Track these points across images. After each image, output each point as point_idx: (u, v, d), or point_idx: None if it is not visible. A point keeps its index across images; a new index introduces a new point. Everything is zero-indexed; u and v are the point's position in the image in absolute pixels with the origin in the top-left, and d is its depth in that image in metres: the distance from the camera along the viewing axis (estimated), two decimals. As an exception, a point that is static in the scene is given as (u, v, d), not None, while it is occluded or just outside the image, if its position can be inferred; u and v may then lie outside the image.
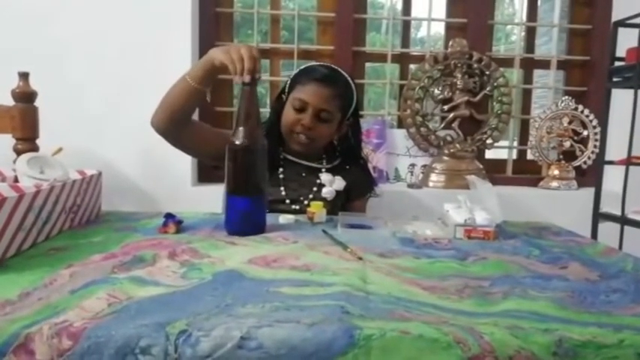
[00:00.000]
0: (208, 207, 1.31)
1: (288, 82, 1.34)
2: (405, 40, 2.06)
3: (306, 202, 1.26)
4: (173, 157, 1.63)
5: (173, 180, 1.72)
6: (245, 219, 0.97)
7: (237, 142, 0.97)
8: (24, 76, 1.35)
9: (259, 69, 1.02)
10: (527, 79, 2.07)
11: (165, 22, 1.69)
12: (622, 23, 1.59)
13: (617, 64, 1.62)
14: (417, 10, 2.03)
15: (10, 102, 1.35)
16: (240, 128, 0.97)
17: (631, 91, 1.53)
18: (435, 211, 1.22)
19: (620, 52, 1.61)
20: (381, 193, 1.49)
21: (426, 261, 0.83)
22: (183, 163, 1.65)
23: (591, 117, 1.90)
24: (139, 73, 1.67)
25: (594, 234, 1.64)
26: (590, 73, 2.01)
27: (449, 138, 1.92)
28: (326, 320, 0.55)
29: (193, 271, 0.73)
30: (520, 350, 0.53)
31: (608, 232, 1.57)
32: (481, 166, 1.90)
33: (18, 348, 0.51)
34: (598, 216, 1.65)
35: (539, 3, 2.05)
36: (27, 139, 1.36)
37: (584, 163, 1.93)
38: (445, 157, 1.89)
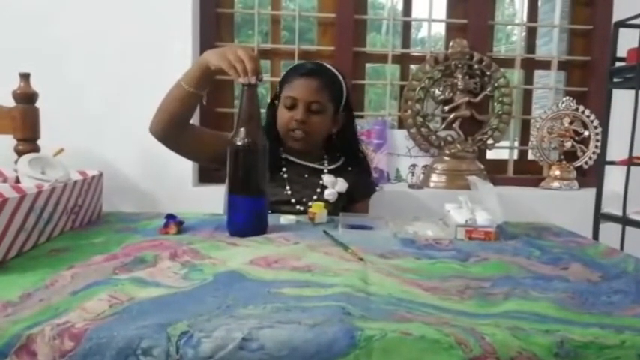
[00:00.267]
0: (209, 208, 1.31)
1: (278, 85, 1.35)
2: (406, 41, 2.06)
3: (309, 203, 1.26)
4: (174, 157, 1.63)
5: (174, 181, 1.72)
6: (246, 220, 0.97)
7: (238, 143, 0.97)
8: (25, 77, 1.35)
9: (260, 69, 1.03)
10: (528, 79, 2.07)
11: (166, 22, 1.69)
12: (623, 24, 1.59)
13: (618, 64, 1.62)
14: (418, 10, 2.03)
15: (11, 103, 1.35)
16: (242, 129, 0.97)
17: (632, 92, 1.52)
18: (435, 212, 1.21)
19: (621, 52, 1.61)
20: (381, 188, 1.49)
21: (427, 262, 0.83)
22: (184, 163, 1.65)
23: (592, 117, 1.90)
24: (139, 73, 1.67)
25: (595, 235, 1.64)
26: (591, 74, 2.01)
27: (450, 138, 1.92)
28: (327, 321, 0.55)
29: (194, 271, 0.73)
30: (521, 351, 0.53)
31: (610, 232, 1.57)
32: (482, 167, 1.90)
33: (20, 349, 0.51)
34: (599, 216, 1.65)
35: (539, 3, 2.05)
36: (28, 140, 1.36)
37: (585, 163, 1.93)
38: (446, 158, 1.89)
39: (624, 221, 1.54)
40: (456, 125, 1.92)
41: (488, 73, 1.90)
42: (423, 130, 1.91)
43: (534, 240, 1.02)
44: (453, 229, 1.01)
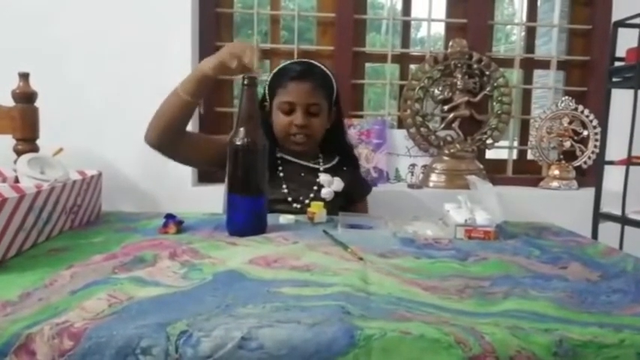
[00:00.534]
0: (209, 207, 1.31)
1: (266, 88, 1.34)
2: (405, 41, 2.06)
3: (306, 201, 1.26)
4: (173, 157, 1.63)
5: (173, 180, 1.72)
6: (246, 219, 0.97)
7: (238, 142, 0.97)
8: (24, 76, 1.35)
9: (262, 60, 1.04)
10: (527, 79, 2.07)
11: (165, 22, 1.69)
12: (622, 23, 1.59)
13: (617, 64, 1.62)
14: (417, 10, 2.03)
15: (10, 102, 1.35)
16: (241, 128, 0.97)
17: (631, 91, 1.53)
18: (435, 212, 1.21)
19: (620, 52, 1.61)
20: (375, 185, 1.50)
21: (426, 261, 0.83)
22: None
23: (591, 117, 1.90)
24: (139, 73, 1.67)
25: (595, 234, 1.64)
26: (590, 74, 2.01)
27: (449, 138, 1.93)
28: (326, 320, 0.55)
29: (194, 271, 0.73)
30: (521, 350, 0.53)
31: (609, 232, 1.57)
32: (481, 166, 1.90)
33: (19, 348, 0.51)
34: (598, 216, 1.65)
35: (539, 3, 2.05)
36: (27, 140, 1.36)
37: (585, 163, 1.93)
38: (445, 158, 1.89)
39: (623, 221, 1.54)
40: (455, 125, 1.92)
41: (487, 72, 1.90)
42: (422, 129, 1.91)
43: (534, 239, 1.03)
44: (453, 229, 1.01)
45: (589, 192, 1.74)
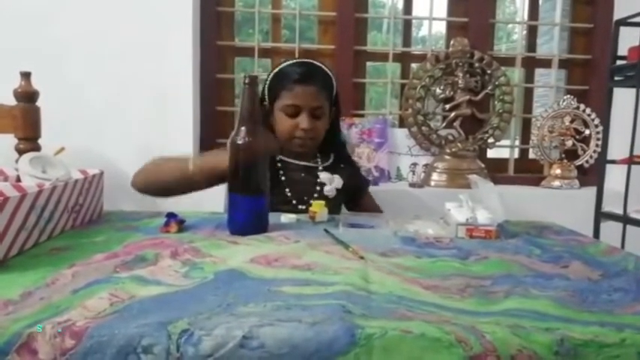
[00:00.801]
0: (210, 206, 1.31)
1: (266, 89, 1.33)
2: (407, 39, 2.06)
3: (311, 201, 1.26)
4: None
5: (175, 179, 1.72)
6: (247, 218, 0.98)
7: (239, 142, 0.97)
8: (26, 75, 1.35)
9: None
10: (529, 78, 2.06)
11: (166, 21, 1.69)
12: (624, 22, 1.58)
13: (619, 62, 1.62)
14: (419, 9, 2.03)
15: (11, 102, 1.35)
16: (243, 127, 0.97)
17: (633, 90, 1.52)
18: (436, 211, 1.21)
19: (622, 50, 1.61)
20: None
21: (427, 260, 0.83)
22: (185, 162, 1.66)
23: (593, 116, 1.90)
24: (139, 72, 1.67)
25: (596, 233, 1.64)
26: (592, 72, 2.01)
27: (450, 137, 1.92)
28: (327, 319, 0.55)
29: (195, 270, 0.73)
30: (522, 349, 0.53)
31: (610, 231, 1.57)
32: (483, 166, 1.90)
33: (21, 347, 0.51)
34: (600, 215, 1.65)
35: (540, 2, 2.05)
36: (29, 139, 1.36)
37: (586, 162, 1.93)
38: (447, 157, 1.89)
39: (625, 220, 1.54)
40: (456, 124, 1.92)
41: (489, 71, 1.90)
42: (423, 128, 1.91)
43: (535, 238, 1.03)
44: (454, 228, 1.01)
45: (591, 191, 1.73)
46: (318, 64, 1.34)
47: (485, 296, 0.67)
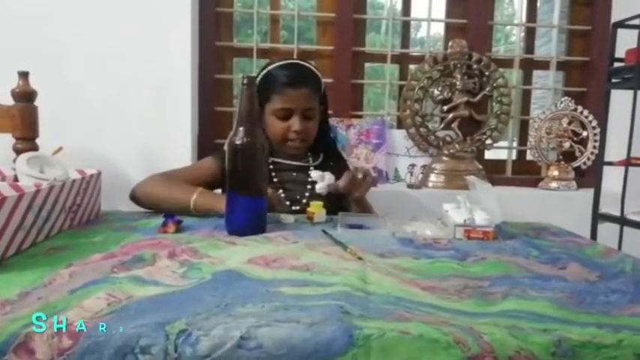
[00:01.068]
0: (208, 207, 1.31)
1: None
2: (405, 41, 2.06)
3: (304, 200, 1.27)
4: (173, 157, 1.63)
5: (173, 180, 1.72)
6: (245, 219, 0.98)
7: (237, 142, 0.97)
8: (24, 75, 1.35)
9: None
10: (527, 79, 2.07)
11: (165, 21, 1.69)
12: (621, 24, 1.59)
13: (617, 64, 1.63)
14: (417, 10, 2.03)
15: (9, 101, 1.35)
16: (241, 128, 0.97)
17: (630, 92, 1.53)
18: (434, 212, 1.22)
19: (620, 52, 1.62)
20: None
21: (425, 261, 0.83)
22: (183, 162, 1.65)
23: (591, 118, 1.90)
24: (138, 72, 1.67)
25: (593, 235, 1.64)
26: (590, 74, 2.01)
27: (448, 138, 1.93)
28: (325, 320, 0.55)
29: (193, 270, 0.73)
30: (519, 350, 0.53)
31: (608, 232, 1.57)
32: (480, 167, 1.91)
33: (18, 347, 0.51)
34: (597, 217, 1.66)
35: (538, 4, 2.05)
36: (27, 139, 1.36)
37: (584, 163, 1.93)
38: (444, 158, 1.89)
39: (622, 221, 1.54)
40: (454, 125, 1.92)
41: (487, 73, 1.91)
42: (421, 129, 1.91)
43: (533, 240, 1.03)
44: (452, 229, 1.01)
45: (588, 193, 1.74)
46: (305, 64, 1.34)
47: (483, 297, 0.67)
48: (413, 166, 1.94)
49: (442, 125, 1.95)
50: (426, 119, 1.93)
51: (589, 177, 1.90)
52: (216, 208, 1.08)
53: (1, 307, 0.57)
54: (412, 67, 2.00)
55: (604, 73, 1.68)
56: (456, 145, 1.89)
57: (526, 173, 2.05)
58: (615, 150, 1.68)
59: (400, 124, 1.99)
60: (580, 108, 1.91)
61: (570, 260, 0.87)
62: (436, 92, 1.93)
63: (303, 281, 0.70)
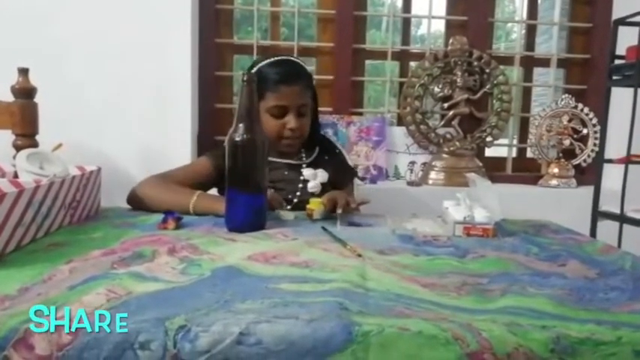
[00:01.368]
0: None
1: None
2: (405, 38, 2.06)
3: (295, 200, 1.26)
4: (173, 153, 1.63)
5: (173, 176, 1.72)
6: (245, 215, 0.97)
7: (237, 139, 0.97)
8: (23, 72, 1.35)
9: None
10: (527, 77, 2.07)
11: (165, 19, 1.68)
12: (622, 21, 1.59)
13: (617, 62, 1.62)
14: (418, 7, 2.03)
15: (9, 98, 1.35)
16: (241, 124, 0.97)
17: (631, 90, 1.53)
18: (434, 209, 1.21)
19: (621, 50, 1.61)
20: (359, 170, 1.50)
21: (425, 258, 0.83)
22: (183, 159, 1.65)
23: (591, 115, 1.90)
24: (138, 70, 1.67)
25: (593, 232, 1.64)
26: (590, 72, 2.01)
27: (448, 136, 1.93)
28: (325, 316, 0.55)
29: (192, 267, 0.73)
30: (518, 347, 0.53)
31: (607, 230, 1.57)
32: (481, 164, 1.91)
33: (18, 342, 0.51)
34: (597, 214, 1.66)
35: (539, 1, 2.05)
36: (27, 135, 1.36)
37: (584, 161, 1.93)
38: (445, 155, 1.89)
39: (622, 219, 1.54)
40: (455, 122, 1.92)
41: (487, 70, 1.90)
42: (422, 127, 1.91)
43: (532, 237, 1.03)
44: (452, 226, 1.01)
45: (588, 190, 1.74)
46: (295, 60, 1.33)
47: (483, 294, 0.67)
48: (413, 163, 1.94)
49: (442, 122, 1.95)
50: (426, 116, 1.93)
51: (589, 174, 1.90)
52: (215, 211, 1.08)
53: (1, 303, 0.57)
54: (412, 64, 2.00)
55: (604, 71, 1.68)
56: (456, 143, 1.89)
57: (526, 171, 2.05)
58: (615, 147, 1.68)
59: (400, 122, 1.99)
60: (580, 105, 1.91)
61: (570, 257, 0.87)
62: (436, 89, 1.93)
63: (302, 278, 0.70)
